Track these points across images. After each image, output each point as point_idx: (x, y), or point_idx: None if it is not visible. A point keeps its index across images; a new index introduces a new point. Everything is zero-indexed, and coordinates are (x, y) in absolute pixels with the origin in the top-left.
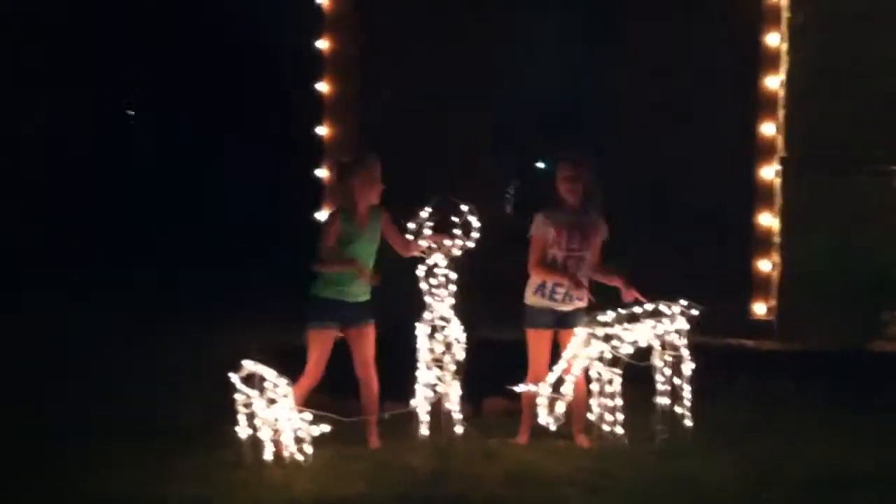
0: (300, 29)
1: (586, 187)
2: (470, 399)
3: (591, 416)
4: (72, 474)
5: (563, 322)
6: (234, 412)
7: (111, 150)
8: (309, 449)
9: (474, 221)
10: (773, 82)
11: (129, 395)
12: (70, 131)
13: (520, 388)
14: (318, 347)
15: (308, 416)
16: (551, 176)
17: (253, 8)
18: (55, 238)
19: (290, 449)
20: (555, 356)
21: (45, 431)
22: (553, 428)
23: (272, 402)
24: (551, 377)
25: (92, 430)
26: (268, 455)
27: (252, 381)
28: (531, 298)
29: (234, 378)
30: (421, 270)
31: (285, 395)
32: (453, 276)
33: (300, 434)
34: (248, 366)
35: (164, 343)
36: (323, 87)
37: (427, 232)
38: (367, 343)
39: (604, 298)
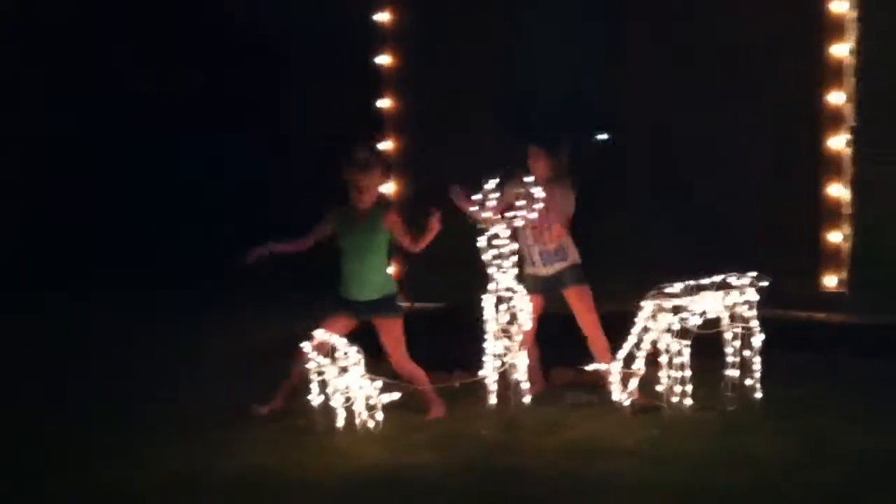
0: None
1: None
2: (538, 370)
3: (660, 388)
4: (153, 451)
5: (549, 286)
6: (305, 382)
7: (162, 132)
8: (380, 416)
9: (537, 193)
10: (841, 50)
11: (194, 376)
12: (130, 116)
13: (591, 368)
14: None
15: (379, 383)
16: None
17: None
18: (100, 235)
19: (362, 416)
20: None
21: (124, 412)
22: (626, 404)
23: (344, 370)
24: (621, 353)
25: (166, 409)
26: (340, 422)
27: (323, 350)
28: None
29: (306, 347)
30: (482, 241)
31: (356, 363)
32: (514, 246)
33: (371, 402)
34: (320, 335)
35: (222, 328)
36: (384, 59)
37: (491, 203)
38: (384, 336)
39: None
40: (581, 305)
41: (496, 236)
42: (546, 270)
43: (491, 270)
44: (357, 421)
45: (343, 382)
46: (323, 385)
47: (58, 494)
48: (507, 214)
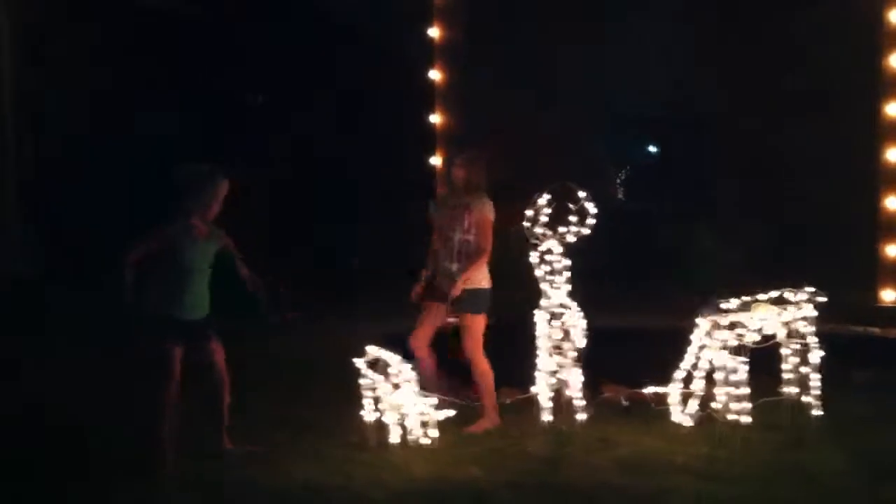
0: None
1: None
2: (589, 385)
3: (716, 405)
4: (203, 464)
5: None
6: (358, 398)
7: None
8: (434, 433)
9: (591, 208)
10: None
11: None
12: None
13: (649, 390)
14: None
15: (433, 400)
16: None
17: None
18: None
19: (415, 433)
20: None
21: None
22: (687, 424)
23: (396, 386)
24: (679, 373)
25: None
26: (394, 438)
27: (376, 366)
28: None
29: (360, 363)
30: (534, 257)
31: (408, 380)
32: (567, 262)
33: (425, 418)
34: (373, 351)
35: (281, 337)
36: (435, 74)
37: (543, 219)
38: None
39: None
40: (469, 332)
41: (549, 252)
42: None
43: (544, 286)
44: (410, 437)
45: (396, 399)
46: (376, 401)
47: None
48: (560, 230)
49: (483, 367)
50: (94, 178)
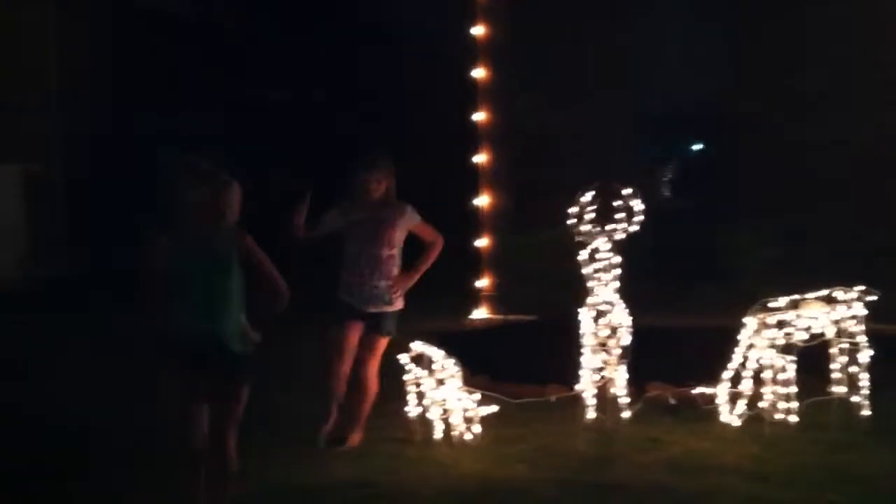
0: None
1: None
2: (635, 384)
3: (763, 404)
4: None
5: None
6: (403, 393)
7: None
8: (477, 429)
9: (637, 205)
10: None
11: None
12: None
13: (697, 391)
14: None
15: (477, 396)
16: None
17: None
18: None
19: (459, 428)
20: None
21: None
22: (736, 424)
23: (441, 382)
24: (727, 373)
25: (266, 418)
26: (438, 433)
27: (421, 362)
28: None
29: (404, 359)
30: (584, 255)
31: (453, 376)
32: (616, 260)
33: (469, 414)
34: (418, 347)
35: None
36: (479, 73)
37: (589, 216)
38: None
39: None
40: (374, 354)
41: (597, 250)
42: (368, 307)
43: (591, 284)
44: (454, 433)
45: (440, 394)
46: (420, 396)
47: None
48: (608, 227)
49: (376, 387)
50: (140, 179)
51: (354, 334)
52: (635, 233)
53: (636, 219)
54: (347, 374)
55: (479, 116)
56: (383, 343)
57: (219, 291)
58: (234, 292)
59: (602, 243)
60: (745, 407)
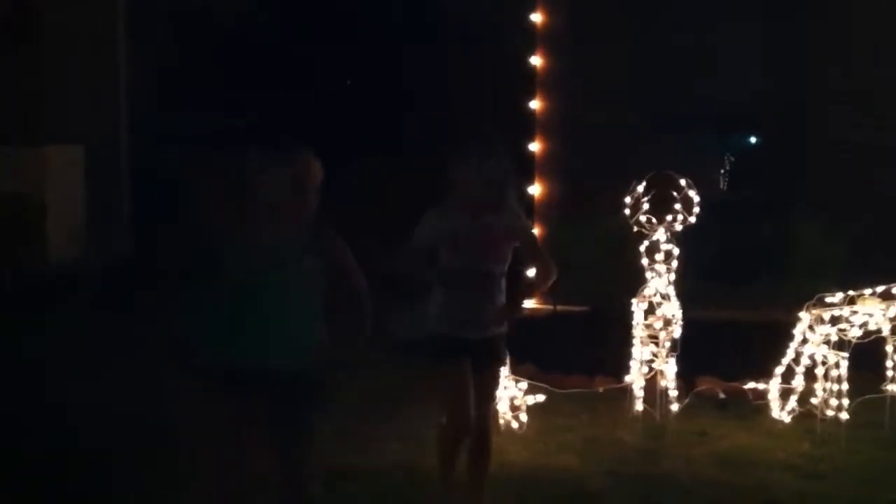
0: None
1: None
2: (684, 377)
3: (815, 401)
4: None
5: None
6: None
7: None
8: (524, 418)
9: (694, 196)
10: None
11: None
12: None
13: (748, 386)
14: None
15: (524, 385)
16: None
17: None
18: None
19: (506, 417)
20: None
21: None
22: (787, 421)
23: None
24: (779, 368)
25: None
26: None
27: None
28: None
29: None
30: (642, 247)
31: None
32: (675, 251)
33: (516, 402)
34: None
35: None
36: (536, 60)
37: (645, 207)
38: None
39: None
40: (492, 393)
41: (655, 241)
42: (474, 333)
43: (649, 275)
44: (501, 421)
45: None
46: None
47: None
48: (668, 218)
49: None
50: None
51: (469, 374)
52: (692, 225)
53: (694, 210)
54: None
55: (535, 104)
56: (500, 376)
57: (293, 309)
58: (311, 309)
59: (661, 234)
60: (796, 403)
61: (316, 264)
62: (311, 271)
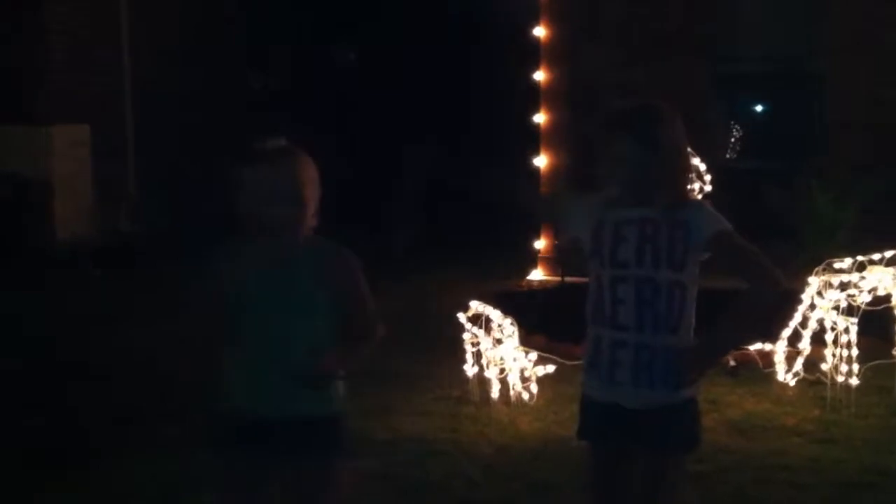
0: None
1: None
2: None
3: (825, 366)
4: None
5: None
6: (460, 353)
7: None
8: (534, 388)
9: (699, 165)
10: None
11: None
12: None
13: (755, 347)
14: None
15: (533, 356)
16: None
17: None
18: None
19: (516, 387)
20: None
21: None
22: (792, 384)
23: (498, 341)
24: (786, 331)
25: None
26: (495, 393)
27: (478, 321)
28: None
29: (462, 318)
30: None
31: (510, 335)
32: None
33: (526, 374)
34: (475, 306)
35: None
36: (540, 31)
37: None
38: None
39: None
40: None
41: None
42: (631, 401)
43: None
44: (511, 392)
45: (498, 354)
46: (478, 356)
47: None
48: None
49: None
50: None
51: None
52: (706, 194)
53: (705, 178)
54: None
55: (540, 76)
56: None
57: (295, 341)
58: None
59: None
60: (802, 368)
61: (327, 296)
62: (320, 306)
